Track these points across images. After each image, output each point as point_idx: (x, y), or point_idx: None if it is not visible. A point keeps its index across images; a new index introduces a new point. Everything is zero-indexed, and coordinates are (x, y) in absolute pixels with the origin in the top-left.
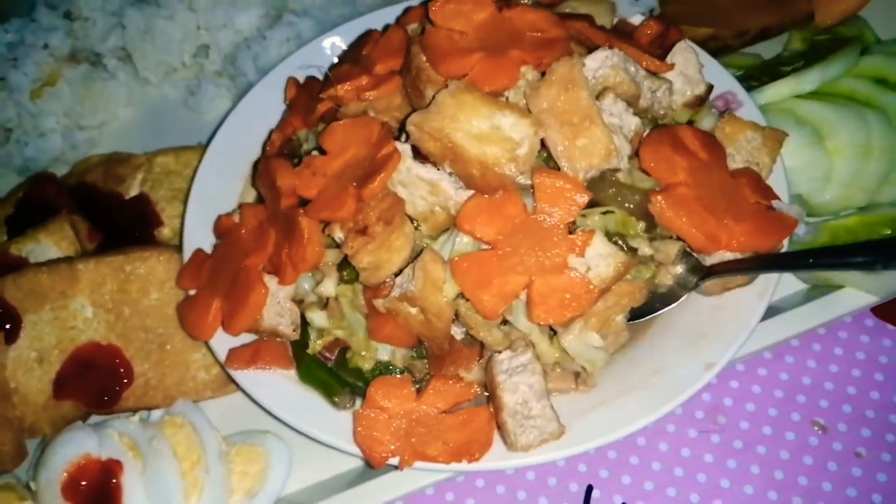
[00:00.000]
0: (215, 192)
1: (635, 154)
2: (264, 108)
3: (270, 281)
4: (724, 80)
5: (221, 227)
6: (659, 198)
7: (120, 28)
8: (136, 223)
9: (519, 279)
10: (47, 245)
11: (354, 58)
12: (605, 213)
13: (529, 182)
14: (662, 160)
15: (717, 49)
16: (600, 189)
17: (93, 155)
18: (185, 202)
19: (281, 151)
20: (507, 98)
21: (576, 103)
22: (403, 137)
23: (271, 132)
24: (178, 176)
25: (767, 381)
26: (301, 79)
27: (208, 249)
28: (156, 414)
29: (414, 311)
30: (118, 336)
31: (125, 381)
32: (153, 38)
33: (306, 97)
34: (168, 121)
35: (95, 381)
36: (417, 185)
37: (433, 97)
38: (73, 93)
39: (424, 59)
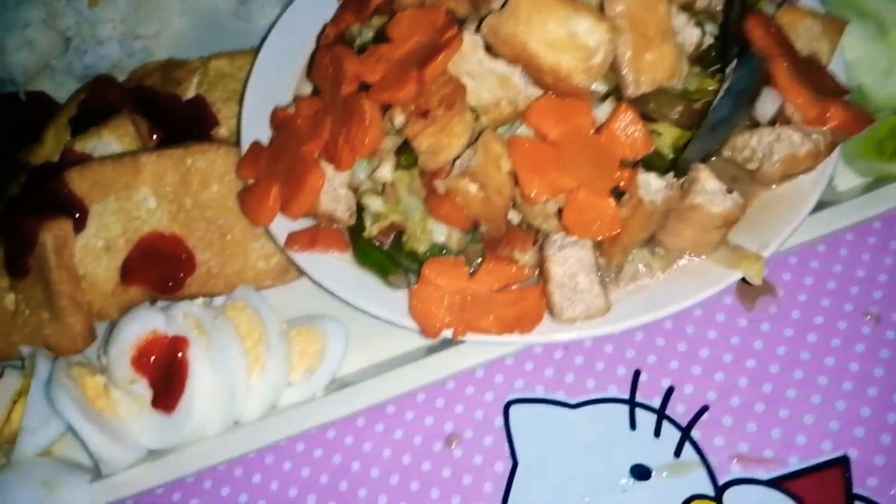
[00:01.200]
0: (270, 87)
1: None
2: (316, 7)
3: (326, 168)
4: None
5: (277, 119)
6: (783, 63)
7: None
8: (193, 123)
9: (569, 181)
10: (110, 140)
11: None
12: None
13: (602, 89)
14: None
15: None
16: (652, 100)
17: (150, 61)
18: (240, 101)
19: (336, 44)
20: None
21: (653, 14)
22: (472, 29)
23: (325, 26)
24: (232, 78)
25: (820, 273)
26: None
27: (265, 143)
28: (218, 300)
29: (474, 188)
30: (180, 226)
31: (188, 268)
32: None
33: None
34: (220, 29)
35: (160, 269)
36: (486, 77)
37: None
38: (128, 1)
39: None
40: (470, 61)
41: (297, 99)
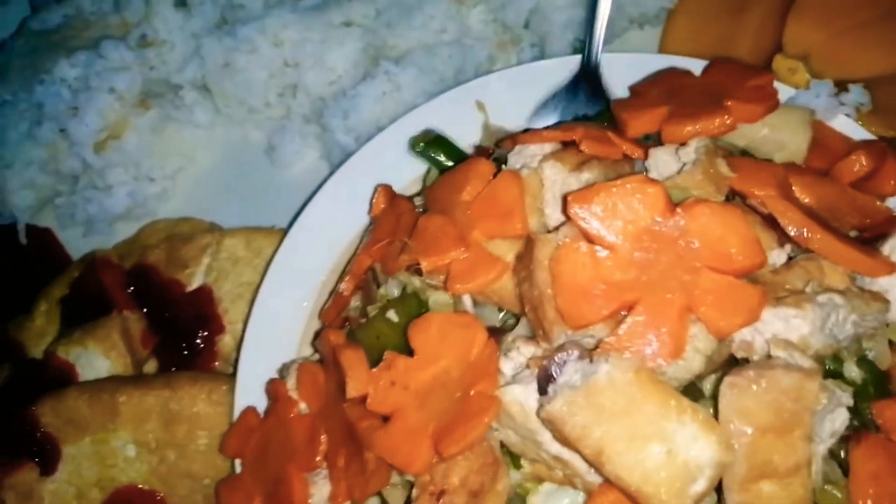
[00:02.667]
0: (279, 319)
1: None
2: (350, 199)
3: (320, 485)
4: None
5: (273, 392)
6: None
7: (199, 57)
8: (196, 323)
9: None
10: (95, 353)
11: (447, 191)
12: None
13: None
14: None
15: None
16: None
17: (159, 221)
18: (238, 346)
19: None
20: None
21: (787, 442)
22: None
23: (349, 263)
24: (246, 265)
25: None
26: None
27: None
28: None
29: None
30: (161, 481)
31: None
32: (233, 74)
33: (393, 220)
34: (247, 171)
35: None
36: (535, 448)
37: (591, 370)
38: (141, 143)
39: (550, 287)
40: (515, 418)
41: (299, 367)
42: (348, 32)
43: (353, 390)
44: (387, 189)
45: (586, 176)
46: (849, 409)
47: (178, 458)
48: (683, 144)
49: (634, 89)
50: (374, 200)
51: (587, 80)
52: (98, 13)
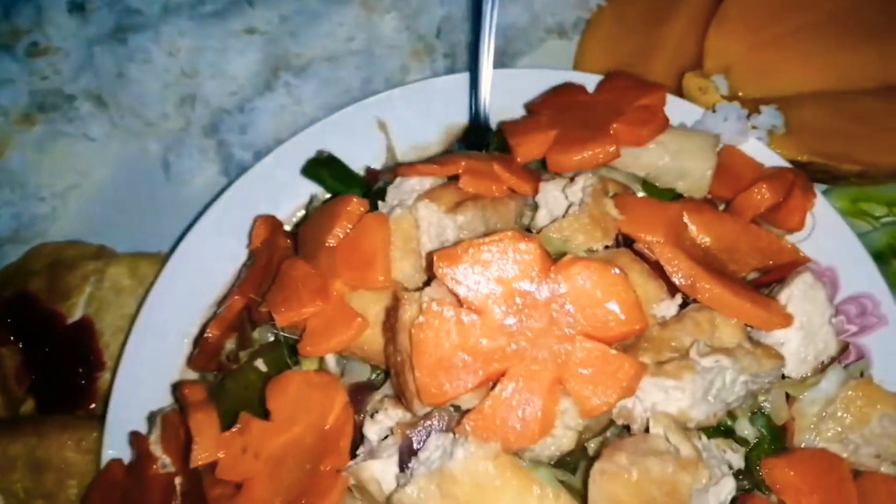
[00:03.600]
0: (153, 359)
1: None
2: (236, 226)
3: None
4: (863, 274)
5: (136, 445)
6: None
7: (93, 66)
8: (75, 357)
9: None
10: None
11: (316, 232)
12: None
13: None
14: None
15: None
16: None
17: (46, 244)
18: (113, 372)
19: (216, 353)
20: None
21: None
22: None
23: (226, 295)
24: (130, 296)
25: None
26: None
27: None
28: None
29: None
30: None
31: None
32: (127, 84)
33: (267, 257)
34: (144, 188)
35: None
36: None
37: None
38: (26, 161)
39: (412, 352)
40: (372, 499)
41: (162, 419)
42: (250, 41)
43: (198, 457)
44: (267, 221)
45: (461, 219)
46: (738, 471)
47: None
48: (571, 179)
49: (530, 107)
50: (252, 233)
51: (477, 135)
52: None
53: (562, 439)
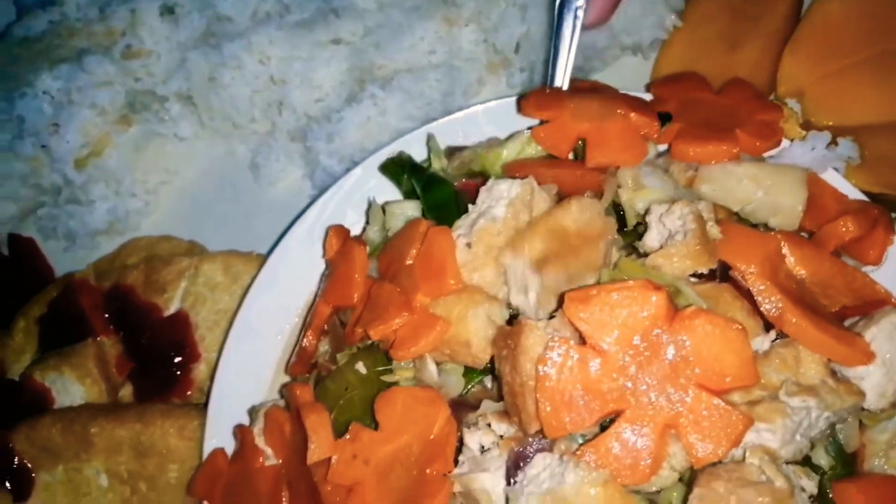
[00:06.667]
0: (252, 354)
1: None
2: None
3: None
4: None
5: (241, 438)
6: None
7: (185, 69)
8: (172, 349)
9: None
10: (70, 380)
11: (395, 257)
12: None
13: None
14: None
15: None
16: None
17: (140, 238)
18: (208, 390)
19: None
20: None
21: None
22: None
23: (309, 312)
24: (224, 292)
25: None
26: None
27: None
28: None
29: None
30: None
31: None
32: (218, 89)
33: (345, 264)
34: (230, 187)
35: None
36: None
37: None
38: (122, 159)
39: (533, 380)
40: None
41: (266, 414)
42: (336, 51)
43: (314, 455)
44: (338, 230)
45: (544, 279)
46: (811, 496)
47: (148, 490)
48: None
49: (654, 91)
50: (327, 243)
51: None
52: (84, 20)
53: (666, 479)
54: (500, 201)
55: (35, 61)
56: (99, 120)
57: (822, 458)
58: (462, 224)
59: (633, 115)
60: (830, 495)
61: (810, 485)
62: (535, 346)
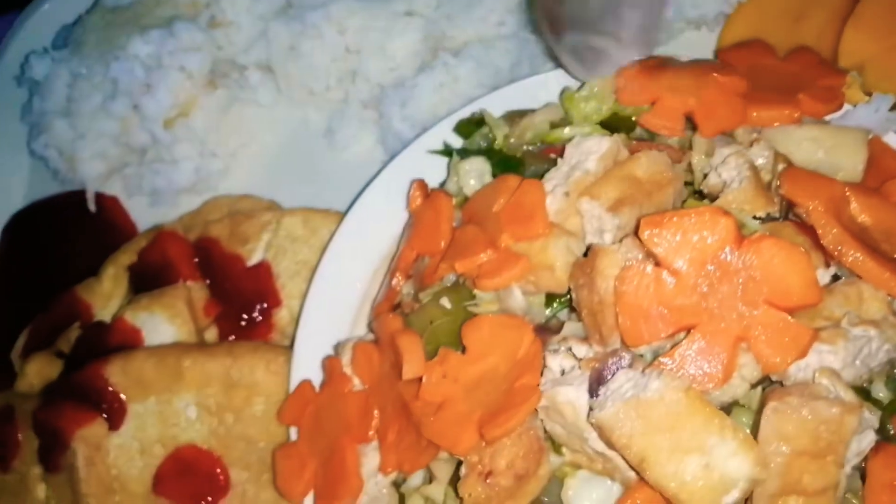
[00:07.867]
0: (334, 298)
1: None
2: (405, 188)
3: (370, 456)
4: None
5: (329, 368)
6: None
7: (265, 39)
8: (255, 297)
9: None
10: (161, 319)
11: (481, 206)
12: None
13: None
14: None
15: None
16: None
17: (221, 196)
18: (296, 322)
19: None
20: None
21: (821, 465)
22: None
23: (394, 259)
24: (303, 244)
25: None
26: None
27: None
28: None
29: None
30: (219, 441)
31: (222, 489)
32: (297, 57)
33: (432, 217)
34: (306, 152)
35: (193, 484)
36: (578, 441)
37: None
38: (207, 121)
39: (611, 295)
40: (566, 415)
41: (355, 346)
42: (409, 22)
43: (409, 373)
44: (422, 184)
45: (619, 220)
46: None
47: (235, 422)
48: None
49: (721, 56)
50: (410, 195)
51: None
52: None
53: (737, 388)
54: (590, 155)
55: (125, 28)
56: (187, 83)
57: (882, 392)
58: (554, 176)
59: (724, 78)
60: (889, 428)
61: (874, 419)
62: (610, 268)
